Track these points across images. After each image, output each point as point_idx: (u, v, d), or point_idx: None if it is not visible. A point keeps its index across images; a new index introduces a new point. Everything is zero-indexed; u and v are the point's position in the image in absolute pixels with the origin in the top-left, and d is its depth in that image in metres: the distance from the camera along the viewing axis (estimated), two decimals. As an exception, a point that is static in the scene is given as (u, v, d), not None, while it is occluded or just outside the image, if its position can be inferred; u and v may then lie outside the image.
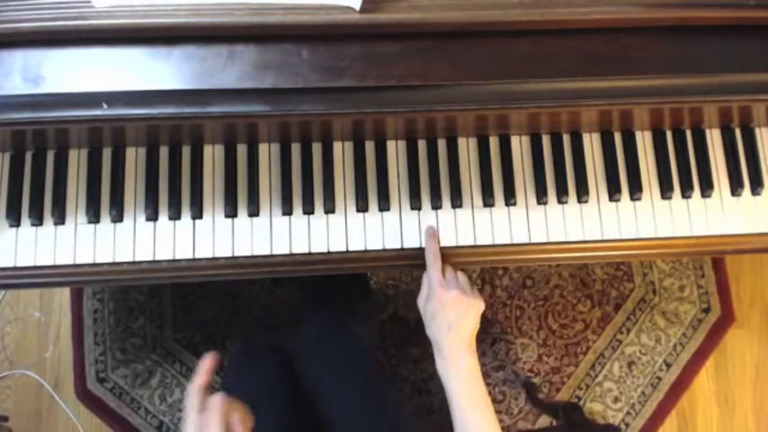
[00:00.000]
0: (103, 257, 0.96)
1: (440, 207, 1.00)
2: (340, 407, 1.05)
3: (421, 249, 0.98)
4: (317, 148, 1.00)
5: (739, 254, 1.06)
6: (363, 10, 0.83)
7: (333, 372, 1.09)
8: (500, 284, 1.66)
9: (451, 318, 0.88)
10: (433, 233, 0.97)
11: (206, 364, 0.82)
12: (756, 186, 1.03)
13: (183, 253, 0.97)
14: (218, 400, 0.78)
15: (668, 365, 1.65)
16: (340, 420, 1.04)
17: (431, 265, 0.94)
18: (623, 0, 0.87)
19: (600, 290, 1.68)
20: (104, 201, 0.98)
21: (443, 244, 0.98)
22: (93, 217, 0.97)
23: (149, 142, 0.99)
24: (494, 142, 1.02)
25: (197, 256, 0.97)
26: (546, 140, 1.03)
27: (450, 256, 0.98)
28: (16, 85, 0.83)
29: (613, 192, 1.01)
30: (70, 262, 0.96)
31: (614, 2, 0.87)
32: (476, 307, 0.89)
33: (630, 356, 1.65)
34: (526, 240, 1.00)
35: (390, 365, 1.60)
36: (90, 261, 0.96)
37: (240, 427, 0.78)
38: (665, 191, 1.02)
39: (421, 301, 0.94)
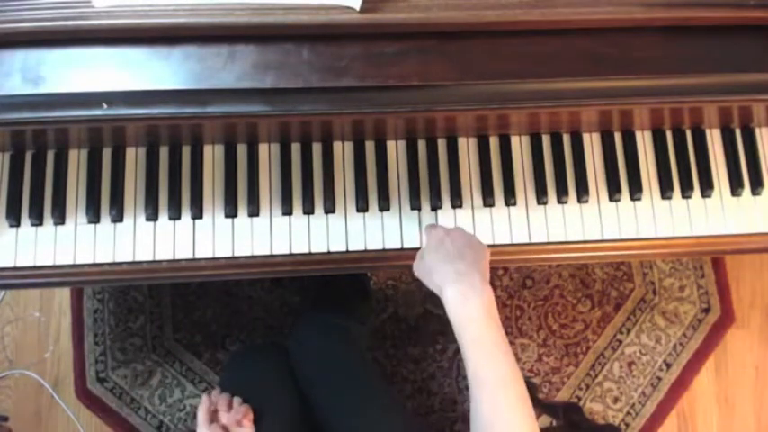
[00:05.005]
0: (103, 257, 0.96)
1: (440, 207, 1.00)
2: (340, 408, 1.05)
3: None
4: (316, 148, 1.00)
5: (739, 254, 1.05)
6: (363, 10, 0.83)
7: (332, 373, 1.08)
8: (500, 284, 1.66)
9: (459, 245, 0.81)
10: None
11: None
12: (756, 186, 1.03)
13: (183, 253, 0.97)
14: None
15: (668, 365, 1.65)
16: (341, 422, 1.03)
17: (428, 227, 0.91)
18: (623, 0, 0.87)
19: (600, 290, 1.68)
20: (104, 201, 0.98)
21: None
22: (93, 217, 0.97)
23: (149, 142, 0.99)
24: (494, 142, 1.02)
25: (197, 256, 0.97)
26: (546, 140, 1.03)
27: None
28: (16, 85, 0.83)
29: (613, 192, 1.01)
30: (70, 262, 0.96)
31: (614, 2, 0.87)
32: (480, 243, 0.84)
33: (630, 356, 1.65)
34: (526, 240, 1.00)
35: (390, 365, 1.60)
36: (90, 261, 0.96)
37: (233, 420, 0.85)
38: (665, 191, 1.02)
39: (416, 262, 0.87)
